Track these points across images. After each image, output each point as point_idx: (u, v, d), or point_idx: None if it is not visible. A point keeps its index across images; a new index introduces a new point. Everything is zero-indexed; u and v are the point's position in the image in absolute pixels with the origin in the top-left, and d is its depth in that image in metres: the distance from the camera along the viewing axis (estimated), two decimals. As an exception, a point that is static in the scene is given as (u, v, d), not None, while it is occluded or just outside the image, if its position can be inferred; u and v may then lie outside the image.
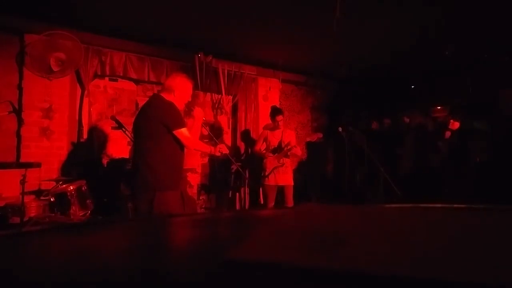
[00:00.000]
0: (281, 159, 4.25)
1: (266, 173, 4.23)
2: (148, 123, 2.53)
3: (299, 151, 4.43)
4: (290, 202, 4.26)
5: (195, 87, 5.26)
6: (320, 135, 4.49)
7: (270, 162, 4.25)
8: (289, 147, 4.20)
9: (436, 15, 3.88)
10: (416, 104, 6.20)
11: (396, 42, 4.71)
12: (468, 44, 4.71)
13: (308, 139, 4.46)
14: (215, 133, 4.49)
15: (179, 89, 2.66)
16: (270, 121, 4.54)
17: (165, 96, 2.62)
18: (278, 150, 4.29)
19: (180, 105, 2.72)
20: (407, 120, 5.87)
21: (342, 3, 3.03)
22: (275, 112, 4.40)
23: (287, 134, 4.40)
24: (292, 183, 4.32)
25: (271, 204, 4.27)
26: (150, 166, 2.49)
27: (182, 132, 2.55)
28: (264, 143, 4.45)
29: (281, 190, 4.30)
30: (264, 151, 4.39)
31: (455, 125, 4.43)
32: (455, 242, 0.45)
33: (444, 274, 0.34)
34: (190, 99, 2.81)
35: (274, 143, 4.35)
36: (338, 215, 0.63)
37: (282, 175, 4.24)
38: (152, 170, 2.48)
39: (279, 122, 4.33)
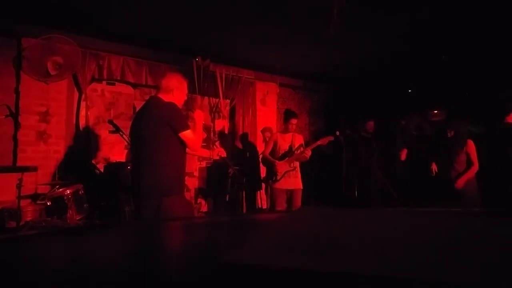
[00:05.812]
0: (292, 163, 4.21)
1: (278, 177, 4.17)
2: (152, 126, 2.41)
3: (309, 154, 4.36)
4: (298, 206, 4.18)
5: (193, 91, 5.28)
6: (332, 137, 4.39)
7: (281, 166, 4.18)
8: (301, 150, 4.15)
9: (434, 18, 3.91)
10: (413, 108, 6.23)
11: (394, 45, 4.74)
12: (465, 46, 4.74)
13: (318, 143, 4.37)
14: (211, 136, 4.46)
15: (177, 88, 2.57)
16: (267, 125, 4.51)
17: (163, 97, 2.52)
18: (289, 153, 4.26)
19: (179, 105, 2.61)
20: (403, 123, 5.88)
21: (339, 7, 3.04)
22: (290, 115, 4.33)
23: (297, 138, 4.35)
24: (301, 187, 4.26)
25: (279, 208, 4.19)
26: (155, 170, 2.38)
27: (188, 135, 2.45)
28: (273, 146, 4.35)
29: (289, 194, 4.25)
30: (268, 156, 4.29)
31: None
32: (450, 245, 0.45)
33: (439, 276, 0.34)
34: (186, 98, 2.75)
35: (284, 146, 4.26)
36: (334, 219, 0.64)
37: (292, 179, 4.17)
38: (158, 175, 2.37)
39: (293, 126, 4.27)
